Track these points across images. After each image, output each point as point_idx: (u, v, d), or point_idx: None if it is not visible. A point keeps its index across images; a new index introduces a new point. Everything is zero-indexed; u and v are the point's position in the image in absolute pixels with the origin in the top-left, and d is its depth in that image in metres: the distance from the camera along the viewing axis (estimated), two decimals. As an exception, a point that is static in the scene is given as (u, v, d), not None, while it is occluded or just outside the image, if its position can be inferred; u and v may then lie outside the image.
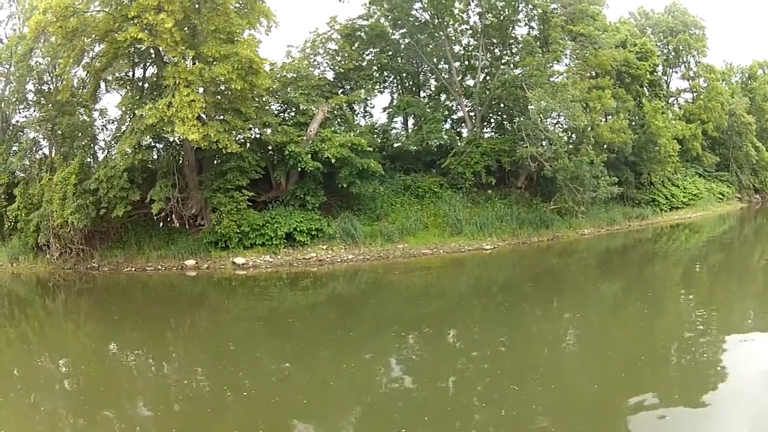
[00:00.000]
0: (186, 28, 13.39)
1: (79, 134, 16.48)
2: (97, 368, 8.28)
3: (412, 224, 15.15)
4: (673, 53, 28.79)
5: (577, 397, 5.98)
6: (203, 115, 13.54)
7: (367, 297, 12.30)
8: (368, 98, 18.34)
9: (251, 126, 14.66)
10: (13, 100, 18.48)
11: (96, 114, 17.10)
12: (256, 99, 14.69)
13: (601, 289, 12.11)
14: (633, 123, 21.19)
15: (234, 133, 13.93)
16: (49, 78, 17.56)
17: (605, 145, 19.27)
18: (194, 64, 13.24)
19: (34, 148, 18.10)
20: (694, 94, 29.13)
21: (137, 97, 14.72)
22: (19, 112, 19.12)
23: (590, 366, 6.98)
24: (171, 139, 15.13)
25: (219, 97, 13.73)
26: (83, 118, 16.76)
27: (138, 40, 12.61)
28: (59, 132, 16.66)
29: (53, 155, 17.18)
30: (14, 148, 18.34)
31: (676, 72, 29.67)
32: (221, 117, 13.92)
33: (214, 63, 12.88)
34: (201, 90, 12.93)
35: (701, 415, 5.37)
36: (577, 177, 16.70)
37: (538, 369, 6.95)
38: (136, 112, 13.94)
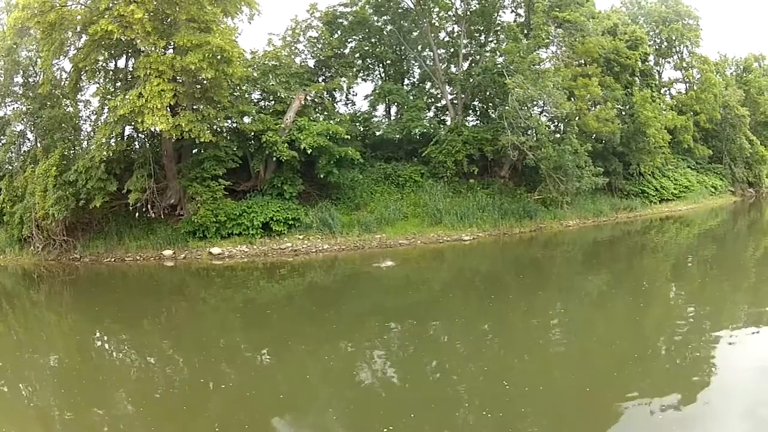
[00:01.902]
0: (161, 19, 13.31)
1: (61, 126, 16.48)
2: (78, 359, 8.28)
3: (391, 214, 14.99)
4: (665, 43, 28.40)
5: (565, 395, 5.79)
6: (176, 105, 13.49)
7: (345, 288, 12.19)
8: (351, 86, 18.15)
9: (227, 115, 14.56)
10: (1, 93, 18.52)
11: (81, 105, 17.14)
12: (231, 88, 14.58)
13: (587, 282, 11.85)
14: (623, 113, 20.91)
15: (208, 122, 13.79)
16: (33, 71, 17.59)
17: (593, 135, 19.02)
18: (166, 54, 13.17)
19: (19, 141, 18.17)
20: (687, 85, 28.77)
21: (111, 89, 14.71)
22: (6, 106, 19.19)
23: (578, 363, 6.78)
24: (150, 130, 15.13)
25: (192, 87, 13.59)
26: (69, 110, 16.77)
27: (109, 32, 12.50)
28: (41, 125, 16.68)
29: (36, 148, 17.25)
30: (3, 141, 18.41)
31: (669, 62, 29.28)
32: (194, 106, 13.80)
33: (188, 53, 12.80)
34: (173, 80, 12.81)
35: (694, 412, 5.24)
36: (561, 167, 16.45)
37: (524, 366, 6.76)
38: (109, 103, 13.94)
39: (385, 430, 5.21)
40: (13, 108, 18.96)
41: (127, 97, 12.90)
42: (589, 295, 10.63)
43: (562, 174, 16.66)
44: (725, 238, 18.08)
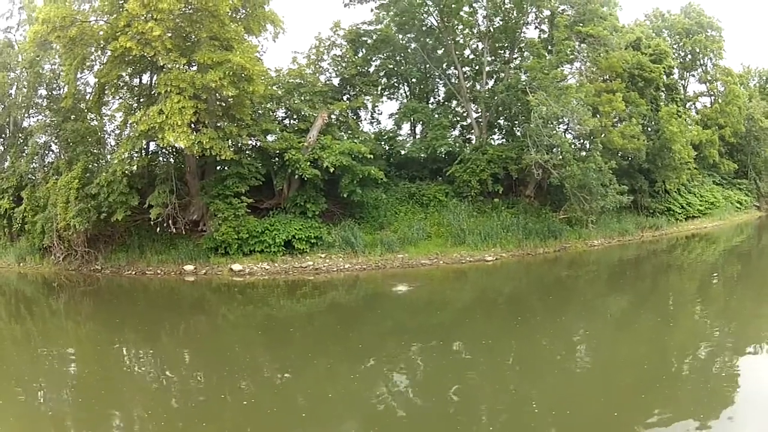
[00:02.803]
0: (182, 36, 13.38)
1: (84, 139, 16.67)
2: (98, 370, 8.21)
3: (414, 233, 14.79)
4: (689, 56, 27.83)
5: (593, 419, 5.63)
6: (198, 122, 13.51)
7: (367, 307, 12.03)
8: (375, 104, 18.09)
9: (250, 133, 14.53)
10: (23, 105, 18.86)
11: (105, 119, 17.33)
12: (254, 106, 14.56)
13: (613, 302, 11.62)
14: (648, 129, 20.42)
15: (230, 140, 13.81)
16: (57, 84, 17.89)
17: (619, 152, 18.58)
18: (188, 71, 13.21)
19: (42, 153, 18.44)
20: (712, 98, 28.09)
21: (133, 104, 14.82)
22: (30, 117, 19.53)
23: (605, 385, 6.63)
24: (174, 146, 15.20)
25: (213, 105, 13.64)
26: (93, 124, 16.97)
27: (128, 49, 12.59)
28: (65, 137, 16.90)
29: (59, 160, 17.46)
30: (26, 152, 18.70)
31: (693, 75, 28.69)
32: (217, 124, 13.82)
33: (209, 70, 12.82)
34: (195, 97, 12.82)
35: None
36: (585, 185, 16.05)
37: (549, 387, 6.60)
38: (129, 119, 14.03)
39: None
40: (37, 119, 19.37)
41: (148, 113, 12.96)
42: (615, 315, 10.42)
43: (586, 193, 16.25)
44: (750, 255, 17.74)
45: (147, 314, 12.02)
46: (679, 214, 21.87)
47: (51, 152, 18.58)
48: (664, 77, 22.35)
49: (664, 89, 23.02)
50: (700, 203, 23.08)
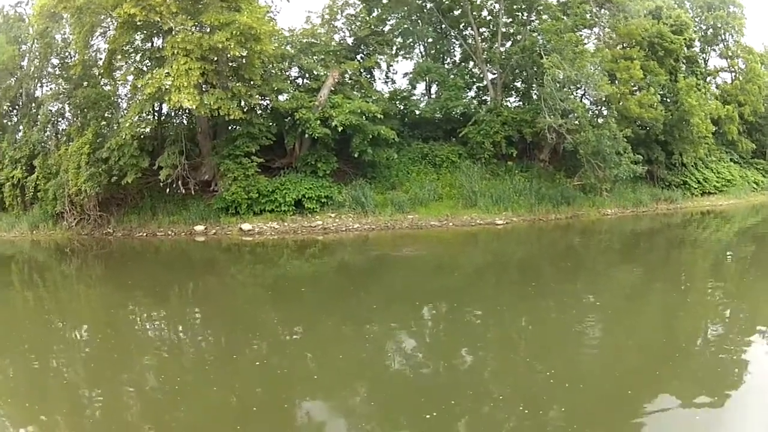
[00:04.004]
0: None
1: (96, 105, 16.72)
2: (110, 333, 8.12)
3: (426, 194, 14.59)
4: (711, 30, 26.86)
5: (605, 394, 5.42)
6: (205, 83, 13.43)
7: (377, 268, 11.83)
8: (390, 64, 17.78)
9: (260, 92, 14.40)
10: (35, 75, 18.94)
11: (119, 84, 17.35)
12: (264, 66, 14.42)
13: (625, 273, 11.19)
14: (666, 99, 19.80)
15: (239, 100, 13.69)
16: (68, 53, 17.90)
17: (636, 121, 18.07)
18: (195, 33, 13.09)
19: (55, 120, 18.55)
20: (733, 75, 27.16)
21: (142, 68, 14.78)
22: (42, 87, 19.64)
23: (617, 359, 6.37)
24: (184, 108, 15.17)
25: (221, 65, 13.53)
26: (107, 89, 17.03)
27: (132, 15, 12.54)
28: (76, 104, 16.97)
29: (71, 126, 17.56)
30: (38, 121, 18.85)
31: (714, 50, 27.71)
32: (225, 85, 13.71)
33: (216, 31, 12.67)
34: (202, 58, 12.73)
35: (729, 414, 4.84)
36: (599, 152, 15.66)
37: (563, 359, 6.32)
38: (137, 83, 14.01)
39: (427, 416, 4.93)
40: (50, 89, 19.46)
41: (154, 75, 12.95)
42: (627, 287, 9.95)
43: (600, 160, 15.86)
44: (766, 237, 17.09)
45: (158, 275, 12.06)
46: (695, 188, 21.29)
47: (64, 120, 18.74)
48: (685, 49, 21.57)
49: (684, 61, 22.23)
50: (717, 179, 22.43)
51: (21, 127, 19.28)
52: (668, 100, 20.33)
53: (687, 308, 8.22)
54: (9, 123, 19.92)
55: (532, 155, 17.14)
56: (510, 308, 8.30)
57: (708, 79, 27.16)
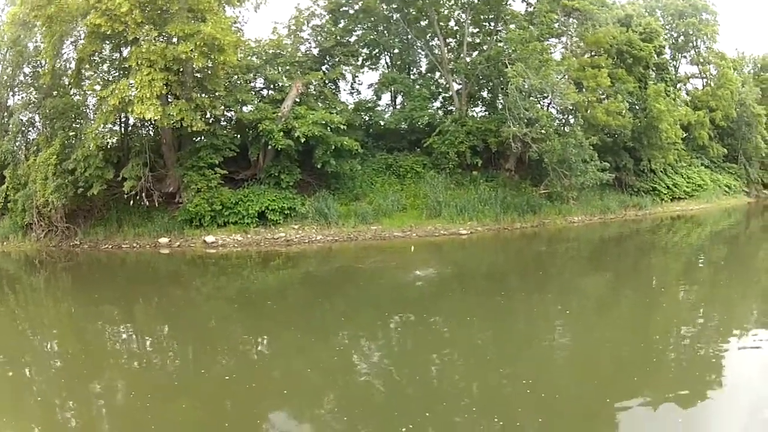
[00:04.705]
0: (155, 9, 13.26)
1: (63, 115, 16.64)
2: (75, 345, 8.18)
3: (390, 205, 14.68)
4: (682, 37, 27.43)
5: (583, 402, 5.46)
6: (169, 95, 13.49)
7: (342, 280, 11.92)
8: (356, 75, 17.93)
9: (224, 104, 14.46)
10: (8, 84, 18.77)
11: (89, 94, 17.29)
12: (228, 77, 14.49)
13: (594, 281, 11.41)
14: (635, 106, 20.19)
15: (202, 111, 13.75)
16: (40, 62, 17.80)
17: (603, 129, 18.38)
18: (159, 44, 13.16)
19: (25, 130, 18.40)
20: (704, 81, 27.75)
21: (108, 78, 14.79)
22: (14, 95, 19.47)
23: (593, 367, 6.41)
24: (149, 119, 15.18)
25: (184, 76, 13.56)
26: (77, 98, 16.97)
27: (97, 25, 12.57)
28: (45, 114, 16.87)
29: (40, 136, 17.45)
30: (9, 130, 18.68)
31: (685, 57, 28.29)
32: (188, 96, 13.75)
33: (180, 42, 12.73)
34: (166, 69, 12.78)
35: (700, 416, 4.99)
36: (564, 160, 15.92)
37: (538, 369, 6.39)
38: (99, 93, 14.05)
39: (403, 429, 4.91)
40: (21, 98, 19.31)
41: (118, 86, 13.00)
42: (597, 295, 10.15)
43: (566, 168, 16.11)
44: (738, 239, 17.28)
45: (124, 288, 12.03)
46: (665, 194, 21.67)
47: (34, 129, 18.59)
48: (655, 56, 22.00)
49: (653, 68, 22.69)
50: (687, 184, 22.87)
51: (-9, 137, 19.14)
52: (637, 107, 20.70)
53: (659, 313, 8.33)
54: None
55: (498, 165, 17.31)
56: (480, 318, 8.33)
57: (678, 85, 27.72)
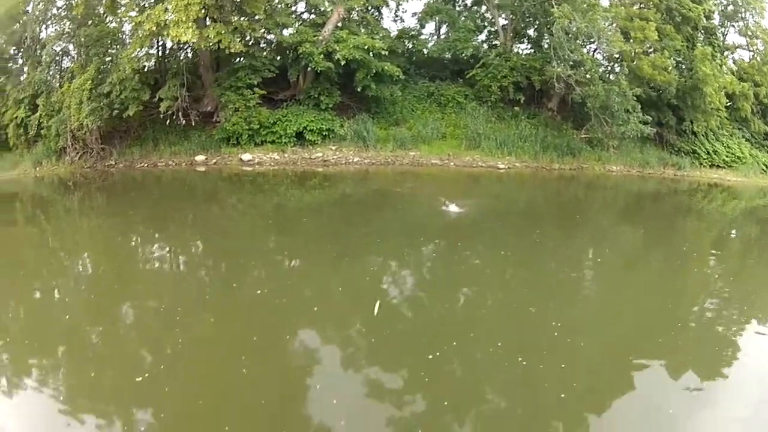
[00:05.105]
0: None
1: (98, 42, 16.61)
2: (107, 261, 8.13)
3: (429, 132, 14.40)
4: (731, 6, 26.06)
5: (606, 358, 5.27)
6: (207, 18, 13.27)
7: (378, 202, 11.75)
8: (399, 3, 17.24)
9: (264, 27, 14.20)
10: (41, 18, 18.81)
11: (124, 21, 17.20)
12: (269, 0, 14.20)
13: (629, 233, 10.99)
14: (681, 66, 19.31)
15: (241, 34, 13.56)
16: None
17: (648, 82, 17.65)
18: None
19: (57, 60, 18.49)
20: (751, 54, 26.43)
21: (141, 5, 14.64)
22: (47, 28, 19.53)
23: (609, 317, 6.24)
24: (184, 42, 15.02)
25: (222, 0, 13.35)
26: (113, 26, 16.93)
27: None
28: (80, 42, 16.88)
29: (74, 64, 17.50)
30: (42, 62, 18.79)
31: (734, 26, 26.91)
32: (227, 19, 13.56)
33: None
34: None
35: (713, 389, 4.71)
36: (607, 107, 15.35)
37: (567, 314, 6.19)
38: (136, 19, 13.86)
39: (429, 356, 4.85)
40: (55, 29, 19.36)
41: (154, 11, 12.85)
42: (631, 248, 9.74)
43: (608, 115, 15.57)
44: None
45: (159, 205, 12.01)
46: (704, 159, 20.82)
47: (67, 58, 18.68)
48: (704, 19, 20.94)
49: (702, 31, 21.63)
50: (727, 154, 21.91)
51: (25, 69, 19.27)
52: (683, 67, 19.82)
53: (688, 278, 8.00)
54: (13, 66, 19.90)
55: (540, 103, 16.81)
56: (514, 255, 8.13)
57: (725, 53, 26.54)
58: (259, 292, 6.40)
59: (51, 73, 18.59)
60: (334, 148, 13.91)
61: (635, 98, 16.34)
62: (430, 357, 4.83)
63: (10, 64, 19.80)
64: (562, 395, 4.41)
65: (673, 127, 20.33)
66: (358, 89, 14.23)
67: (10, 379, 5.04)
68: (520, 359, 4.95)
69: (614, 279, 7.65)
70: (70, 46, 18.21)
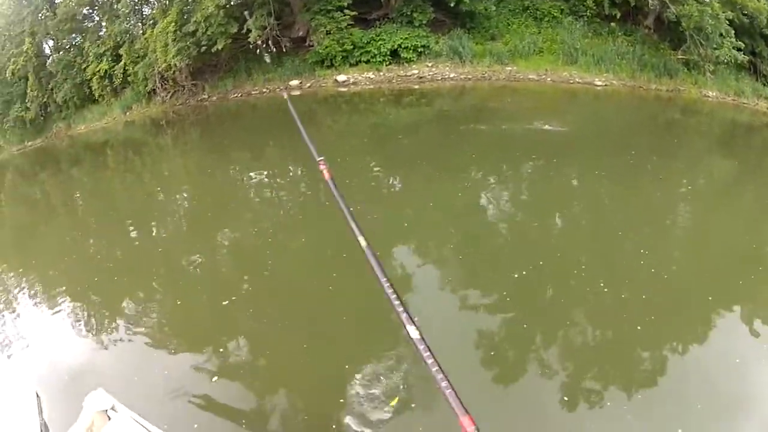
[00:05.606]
0: None
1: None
2: (201, 191, 8.51)
3: (525, 47, 14.05)
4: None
5: (684, 295, 5.12)
6: None
7: (475, 118, 11.63)
8: None
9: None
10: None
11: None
12: None
13: (723, 165, 10.59)
14: (773, -7, 17.89)
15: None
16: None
17: (741, 8, 16.52)
18: None
19: (136, 9, 19.07)
20: None
21: None
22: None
23: (695, 250, 6.13)
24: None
25: None
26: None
27: None
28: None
29: (155, 10, 18.00)
30: (120, 13, 19.42)
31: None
32: None
33: None
34: None
35: None
36: (701, 29, 14.56)
37: (648, 240, 6.08)
38: None
39: (515, 275, 4.88)
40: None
41: None
42: (723, 180, 9.39)
43: (703, 37, 14.75)
44: None
45: (254, 133, 12.33)
46: (797, 95, 19.47)
47: (148, 5, 19.26)
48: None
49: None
50: (822, 93, 20.36)
51: (103, 24, 20.03)
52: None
53: None
54: (90, 24, 20.71)
55: (637, 20, 15.99)
56: (608, 176, 7.94)
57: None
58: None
59: (132, 22, 19.34)
60: (429, 64, 13.82)
61: (727, 22, 15.41)
62: (516, 276, 4.89)
63: (85, 23, 20.67)
64: (638, 327, 4.38)
65: (766, 58, 19.08)
66: (452, 4, 13.88)
67: (114, 304, 5.46)
68: (602, 285, 4.91)
69: (704, 211, 7.45)
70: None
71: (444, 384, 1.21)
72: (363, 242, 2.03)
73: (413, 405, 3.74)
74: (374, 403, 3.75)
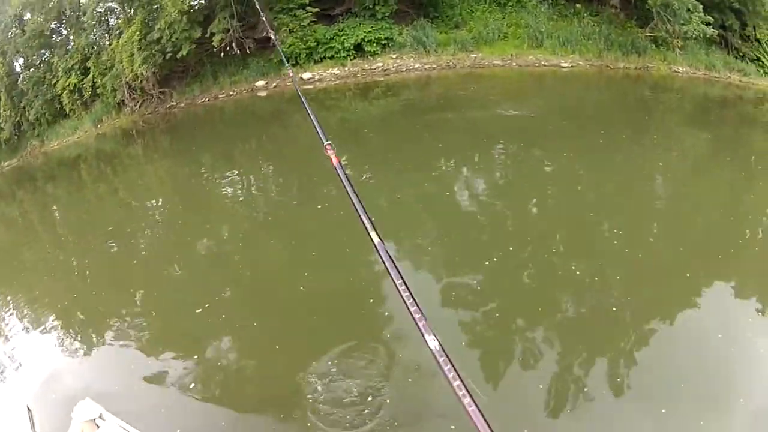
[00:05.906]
0: None
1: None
2: (172, 197, 8.56)
3: (490, 33, 13.97)
4: None
5: (649, 262, 5.07)
6: None
7: (441, 108, 11.57)
8: None
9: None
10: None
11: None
12: None
13: (695, 140, 10.53)
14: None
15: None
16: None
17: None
18: None
19: (102, 20, 18.87)
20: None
21: None
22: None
23: (670, 228, 5.98)
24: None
25: None
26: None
27: None
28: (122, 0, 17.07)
29: (119, 21, 17.81)
30: (86, 26, 19.20)
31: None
32: None
33: None
34: None
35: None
36: (668, 5, 14.56)
37: (622, 218, 6.05)
38: None
39: (486, 262, 4.82)
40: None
41: None
42: (696, 155, 9.39)
43: (670, 13, 14.72)
44: None
45: (224, 135, 12.24)
46: (768, 67, 19.55)
47: (114, 15, 19.05)
48: None
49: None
50: (791, 65, 20.45)
51: (70, 38, 19.80)
52: (743, -33, 18.49)
53: (754, 192, 7.52)
54: (58, 39, 20.47)
55: (602, 0, 16.04)
56: (578, 156, 7.85)
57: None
58: (319, 207, 6.53)
59: (98, 34, 19.12)
60: (394, 56, 13.71)
61: (696, -2, 15.47)
62: (487, 263, 4.84)
63: (53, 38, 20.42)
64: (614, 309, 4.29)
65: (737, 32, 19.09)
66: (414, -6, 13.92)
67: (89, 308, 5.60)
68: (573, 268, 4.81)
69: (678, 187, 7.35)
70: (114, 5, 18.60)
71: (467, 401, 1.07)
72: (376, 238, 1.78)
73: (388, 401, 3.74)
74: (342, 402, 3.78)
